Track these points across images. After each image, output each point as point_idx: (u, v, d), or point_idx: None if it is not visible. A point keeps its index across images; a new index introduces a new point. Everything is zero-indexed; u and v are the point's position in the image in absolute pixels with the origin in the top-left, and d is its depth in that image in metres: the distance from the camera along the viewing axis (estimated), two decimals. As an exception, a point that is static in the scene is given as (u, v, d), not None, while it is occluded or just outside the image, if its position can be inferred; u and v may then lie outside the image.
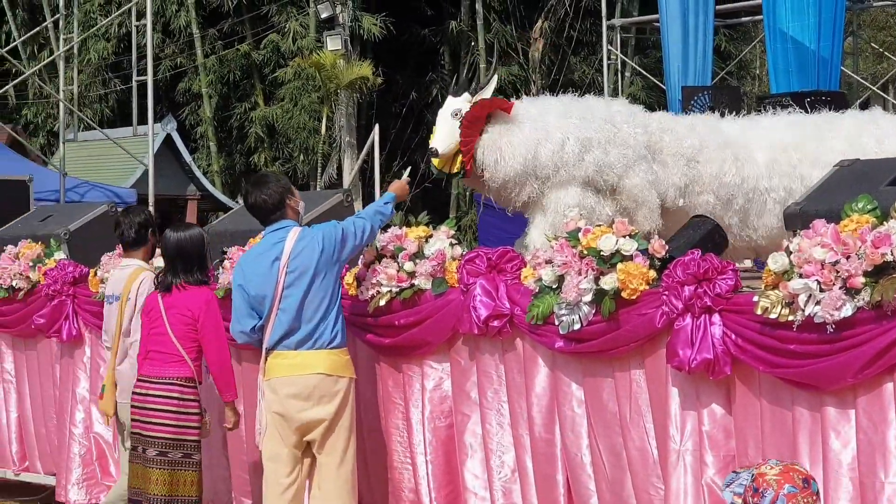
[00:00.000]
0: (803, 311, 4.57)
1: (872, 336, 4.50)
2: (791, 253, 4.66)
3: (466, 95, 7.08)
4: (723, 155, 7.30)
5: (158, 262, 6.98)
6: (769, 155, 7.35)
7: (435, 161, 7.06)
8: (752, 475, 3.98)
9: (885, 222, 4.58)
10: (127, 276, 6.88)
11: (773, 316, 4.67)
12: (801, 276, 4.58)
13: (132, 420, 6.53)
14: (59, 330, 8.07)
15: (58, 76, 21.21)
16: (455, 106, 7.07)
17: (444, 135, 7.03)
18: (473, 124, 6.96)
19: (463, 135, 6.95)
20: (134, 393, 6.54)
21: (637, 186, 7.00)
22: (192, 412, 6.47)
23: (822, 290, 4.52)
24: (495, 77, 7.23)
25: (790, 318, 4.63)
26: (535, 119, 7.04)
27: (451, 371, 6.10)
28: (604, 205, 7.01)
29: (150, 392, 6.45)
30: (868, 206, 4.67)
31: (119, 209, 9.39)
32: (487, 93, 7.12)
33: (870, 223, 4.58)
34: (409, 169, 7.01)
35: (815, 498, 3.92)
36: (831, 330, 4.52)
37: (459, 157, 7.01)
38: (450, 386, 6.13)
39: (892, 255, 4.46)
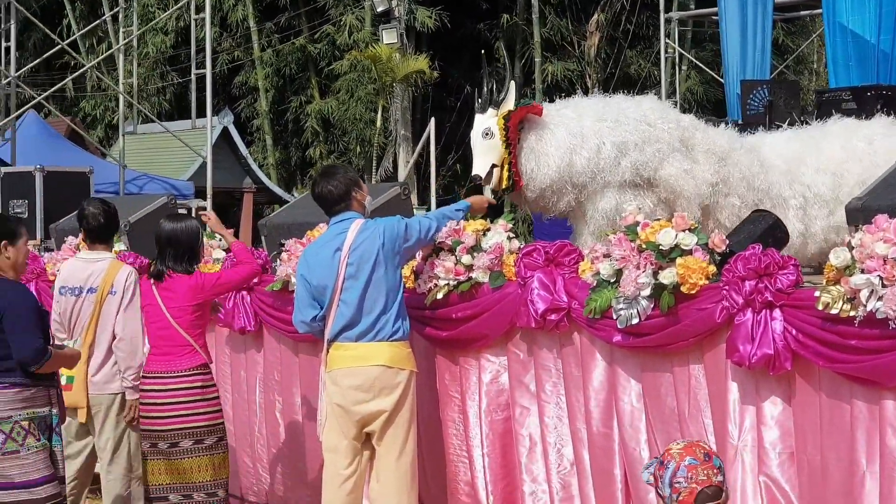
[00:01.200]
0: (865, 306, 4.52)
1: (935, 332, 4.46)
2: (853, 248, 4.62)
3: (491, 111, 7.08)
4: (750, 159, 7.36)
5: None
6: (786, 164, 7.48)
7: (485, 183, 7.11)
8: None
9: (949, 217, 4.54)
10: (105, 269, 6.80)
11: (834, 311, 4.62)
12: (862, 271, 4.53)
13: (150, 417, 6.59)
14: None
15: (116, 69, 21.41)
16: (484, 125, 7.08)
17: (481, 158, 7.07)
18: (515, 134, 6.98)
19: (512, 146, 6.97)
20: (148, 390, 6.61)
21: (673, 176, 7.01)
22: (215, 396, 6.61)
23: (884, 286, 4.47)
24: (513, 85, 7.22)
25: (851, 313, 4.58)
26: (569, 123, 7.02)
27: (509, 364, 6.10)
28: (644, 197, 7.02)
29: (170, 387, 6.54)
30: (932, 201, 4.64)
31: (178, 201, 9.50)
32: (510, 103, 7.10)
33: (933, 218, 4.54)
34: (491, 188, 7.05)
35: (715, 471, 4.07)
36: (893, 326, 4.47)
37: (505, 173, 7.02)
38: (507, 379, 6.14)
39: (955, 250, 4.42)
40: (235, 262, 6.76)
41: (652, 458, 4.50)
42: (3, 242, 5.89)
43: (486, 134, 7.04)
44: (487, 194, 6.93)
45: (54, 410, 5.86)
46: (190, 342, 6.52)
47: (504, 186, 7.09)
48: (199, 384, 6.54)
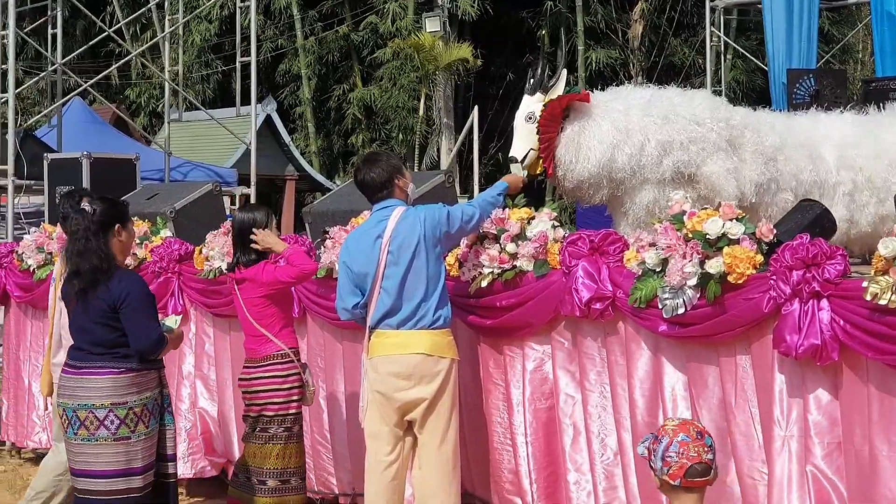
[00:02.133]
0: (914, 297, 4.49)
1: None
2: (902, 238, 4.58)
3: (539, 95, 7.02)
4: (799, 153, 7.31)
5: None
6: (837, 151, 7.44)
7: (515, 168, 7.05)
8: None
9: None
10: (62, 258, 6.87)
11: (882, 302, 4.58)
12: (912, 261, 4.50)
13: (246, 404, 6.70)
14: (165, 306, 8.20)
15: (160, 57, 21.50)
16: (529, 109, 7.02)
17: (521, 140, 7.02)
18: (551, 123, 6.91)
19: (542, 135, 6.91)
20: (241, 379, 6.76)
21: (715, 174, 6.93)
22: (294, 386, 6.61)
23: (934, 277, 4.44)
24: (564, 73, 7.15)
25: (901, 304, 4.55)
26: (615, 117, 6.94)
27: (553, 353, 6.09)
28: (685, 192, 6.97)
29: (253, 375, 6.64)
30: (983, 191, 4.59)
31: (222, 188, 9.52)
32: (558, 90, 7.04)
33: (984, 207, 4.49)
34: (525, 171, 6.99)
35: (707, 449, 4.27)
36: (943, 317, 4.44)
37: (538, 158, 6.98)
38: (550, 368, 6.13)
39: None
40: (286, 264, 6.74)
41: (648, 434, 4.60)
42: (117, 226, 5.93)
43: (529, 118, 7.00)
44: (518, 171, 6.88)
45: (165, 391, 5.96)
46: (262, 332, 6.58)
47: (538, 172, 7.07)
48: (277, 373, 6.60)
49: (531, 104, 7.02)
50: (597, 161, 6.84)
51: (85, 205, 5.90)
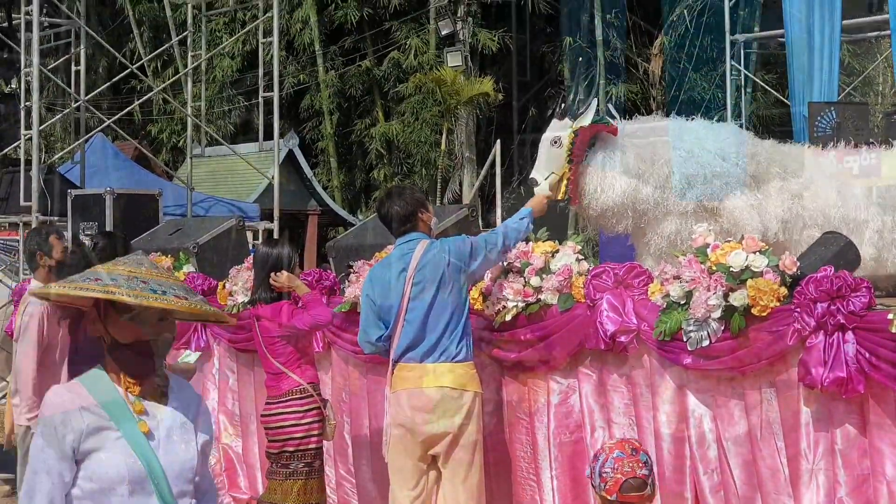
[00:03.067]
0: (940, 329, 4.48)
1: None
2: (928, 270, 4.58)
3: (567, 121, 7.05)
4: (827, 190, 7.29)
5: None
6: (865, 187, 7.39)
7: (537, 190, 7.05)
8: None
9: None
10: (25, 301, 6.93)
11: (908, 334, 4.59)
12: (938, 293, 4.50)
13: (269, 441, 6.73)
14: (188, 342, 8.22)
15: (182, 92, 21.61)
16: (556, 133, 7.04)
17: (543, 164, 7.02)
18: (581, 151, 6.93)
19: (574, 163, 6.92)
20: (262, 416, 6.79)
21: (738, 208, 6.93)
22: (315, 420, 6.62)
23: (960, 309, 4.43)
24: (594, 102, 7.18)
25: (926, 336, 4.54)
26: (641, 148, 6.96)
27: (578, 386, 6.08)
28: (709, 224, 6.96)
29: (275, 411, 6.66)
30: None
31: (245, 223, 9.56)
32: (587, 119, 7.06)
33: None
34: (546, 188, 6.97)
35: (641, 465, 4.39)
36: (970, 349, 4.43)
37: (564, 184, 6.98)
38: (576, 401, 6.12)
39: None
40: (303, 308, 6.75)
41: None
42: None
43: (555, 142, 7.01)
44: (544, 189, 6.87)
45: None
46: (281, 369, 6.60)
47: (560, 198, 7.07)
48: (296, 408, 6.64)
49: (559, 128, 7.04)
50: (622, 191, 6.86)
51: (85, 239, 5.98)
